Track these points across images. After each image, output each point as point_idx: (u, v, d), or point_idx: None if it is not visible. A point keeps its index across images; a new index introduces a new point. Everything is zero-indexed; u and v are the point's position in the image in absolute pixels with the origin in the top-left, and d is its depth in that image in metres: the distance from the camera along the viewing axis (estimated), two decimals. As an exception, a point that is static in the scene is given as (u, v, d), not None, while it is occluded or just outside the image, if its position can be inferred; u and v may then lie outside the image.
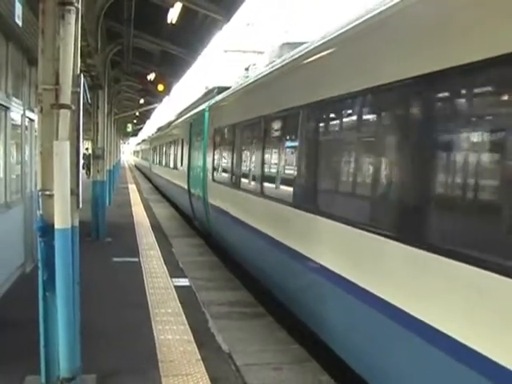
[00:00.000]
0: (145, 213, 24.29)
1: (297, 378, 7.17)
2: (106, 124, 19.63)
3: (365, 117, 6.94)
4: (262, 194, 10.59)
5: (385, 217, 6.10)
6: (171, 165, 27.79)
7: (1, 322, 8.52)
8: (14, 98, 10.95)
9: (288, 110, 9.23)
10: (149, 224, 20.55)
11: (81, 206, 6.43)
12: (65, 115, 5.97)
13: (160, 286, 11.14)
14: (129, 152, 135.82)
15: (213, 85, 23.21)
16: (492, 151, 4.64)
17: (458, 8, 4.97)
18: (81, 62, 6.56)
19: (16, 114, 11.36)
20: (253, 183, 11.55)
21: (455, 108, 5.16)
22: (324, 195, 7.81)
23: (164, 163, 32.76)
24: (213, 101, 17.89)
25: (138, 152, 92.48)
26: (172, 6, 12.72)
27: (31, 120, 12.63)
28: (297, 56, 9.48)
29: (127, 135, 74.45)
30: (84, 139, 7.10)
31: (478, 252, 4.47)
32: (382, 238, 5.85)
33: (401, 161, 5.85)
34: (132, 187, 41.14)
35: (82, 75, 6.34)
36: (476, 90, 4.88)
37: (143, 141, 73.60)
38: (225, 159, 14.80)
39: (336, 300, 7.01)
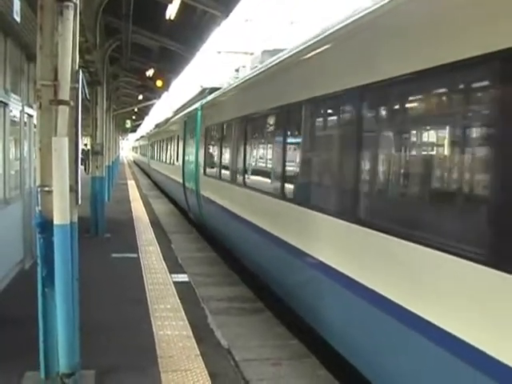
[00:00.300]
0: (144, 209, 24.30)
1: (295, 373, 7.17)
2: (104, 120, 19.63)
3: (313, 120, 8.56)
4: (244, 185, 12.10)
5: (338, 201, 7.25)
6: (168, 160, 29.15)
7: (0, 319, 8.54)
8: (12, 94, 10.95)
9: (265, 111, 10.85)
10: (148, 220, 20.57)
11: (80, 202, 6.44)
12: (63, 111, 5.97)
13: (159, 281, 11.16)
14: (128, 148, 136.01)
15: (208, 84, 25.52)
16: (401, 147, 6.01)
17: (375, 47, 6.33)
18: (79, 58, 6.56)
19: (15, 109, 11.36)
20: (237, 176, 12.93)
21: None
22: (290, 184, 9.19)
23: (161, 159, 34.18)
24: (204, 100, 19.25)
25: (136, 148, 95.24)
26: (171, 1, 12.70)
27: (30, 116, 12.63)
28: (270, 65, 11.05)
29: (126, 131, 74.49)
30: (83, 135, 7.10)
31: (388, 223, 5.86)
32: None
33: (335, 162, 7.50)
34: (131, 183, 41.17)
35: (80, 71, 6.35)
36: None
37: (142, 137, 75.67)
38: (213, 155, 16.22)
39: (301, 270, 8.28)
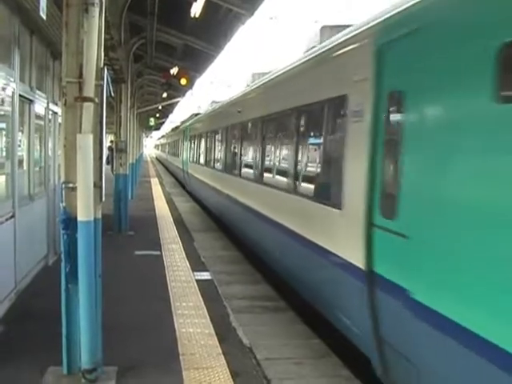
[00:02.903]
0: (167, 206, 24.37)
1: (317, 372, 7.14)
2: (128, 117, 19.70)
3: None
4: (205, 164, 23.55)
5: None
6: (176, 155, 45.02)
7: (24, 314, 8.62)
8: (37, 91, 11.01)
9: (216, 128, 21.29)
10: (171, 218, 20.61)
11: (103, 198, 6.47)
12: (88, 108, 6.00)
13: (182, 279, 11.17)
14: (151, 146, 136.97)
15: (204, 106, 42.56)
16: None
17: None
18: (104, 55, 6.58)
19: (40, 106, 11.43)
20: (201, 160, 25.78)
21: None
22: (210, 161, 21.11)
23: (173, 154, 51.41)
24: (190, 120, 37.62)
25: (158, 146, 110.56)
26: (195, -1, 12.72)
27: (54, 113, 12.71)
28: (230, 100, 20.04)
29: (150, 129, 74.67)
30: (107, 133, 7.15)
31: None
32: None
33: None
34: (154, 181, 41.29)
35: (105, 68, 6.37)
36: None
37: (162, 137, 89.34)
38: (193, 151, 30.20)
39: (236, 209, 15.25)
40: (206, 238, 17.11)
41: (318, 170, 9.14)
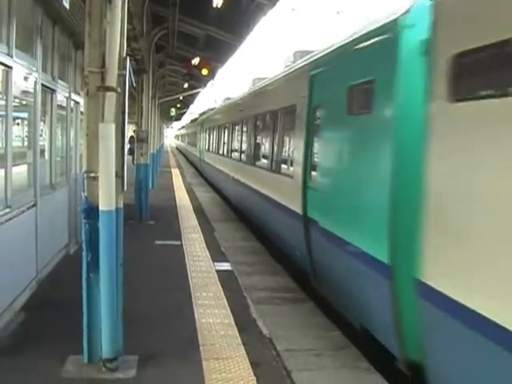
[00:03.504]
0: (187, 196, 24.43)
1: (337, 363, 7.12)
2: (150, 108, 19.73)
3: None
4: (217, 152, 27.29)
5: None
6: (194, 145, 48.33)
7: (45, 303, 8.68)
8: (60, 81, 11.06)
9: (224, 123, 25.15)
10: (191, 208, 20.67)
11: (125, 188, 6.48)
12: (111, 98, 6.01)
13: (202, 269, 11.20)
14: (172, 136, 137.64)
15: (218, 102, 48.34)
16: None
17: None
18: (126, 45, 6.59)
19: (62, 96, 11.48)
20: (213, 148, 29.16)
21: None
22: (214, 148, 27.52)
23: (192, 144, 54.66)
24: (207, 113, 42.04)
25: (178, 136, 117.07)
26: (218, -11, 12.68)
27: (76, 102, 12.76)
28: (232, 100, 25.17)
29: (170, 119, 74.78)
30: (128, 122, 7.17)
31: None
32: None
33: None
34: (175, 171, 41.38)
35: (127, 58, 6.37)
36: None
37: (182, 127, 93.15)
38: (207, 141, 33.58)
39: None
40: (226, 228, 17.15)
41: (282, 154, 13.00)
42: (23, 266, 8.54)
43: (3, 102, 7.77)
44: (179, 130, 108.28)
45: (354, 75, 8.10)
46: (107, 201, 6.06)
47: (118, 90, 6.10)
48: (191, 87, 32.32)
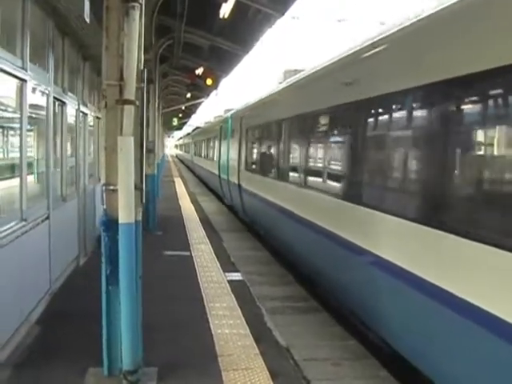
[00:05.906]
0: (192, 206, 24.42)
1: (356, 373, 7.12)
2: (156, 118, 19.78)
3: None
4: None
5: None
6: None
7: (59, 315, 8.67)
8: (69, 93, 11.09)
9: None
10: (197, 218, 20.64)
11: (144, 200, 6.50)
12: (129, 111, 6.02)
13: (213, 280, 11.19)
14: (171, 145, 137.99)
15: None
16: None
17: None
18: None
19: (71, 108, 11.50)
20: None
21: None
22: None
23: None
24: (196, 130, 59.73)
25: (178, 146, 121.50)
26: (225, 0, 12.71)
27: (84, 114, 12.79)
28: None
29: (172, 129, 74.90)
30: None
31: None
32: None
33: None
34: (177, 180, 41.40)
35: (145, 71, 6.39)
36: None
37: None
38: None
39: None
40: (233, 238, 17.15)
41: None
42: (38, 279, 8.55)
43: (18, 115, 7.79)
44: (181, 138, 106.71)
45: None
46: (126, 213, 6.06)
47: (137, 102, 6.12)
48: (194, 97, 32.44)
